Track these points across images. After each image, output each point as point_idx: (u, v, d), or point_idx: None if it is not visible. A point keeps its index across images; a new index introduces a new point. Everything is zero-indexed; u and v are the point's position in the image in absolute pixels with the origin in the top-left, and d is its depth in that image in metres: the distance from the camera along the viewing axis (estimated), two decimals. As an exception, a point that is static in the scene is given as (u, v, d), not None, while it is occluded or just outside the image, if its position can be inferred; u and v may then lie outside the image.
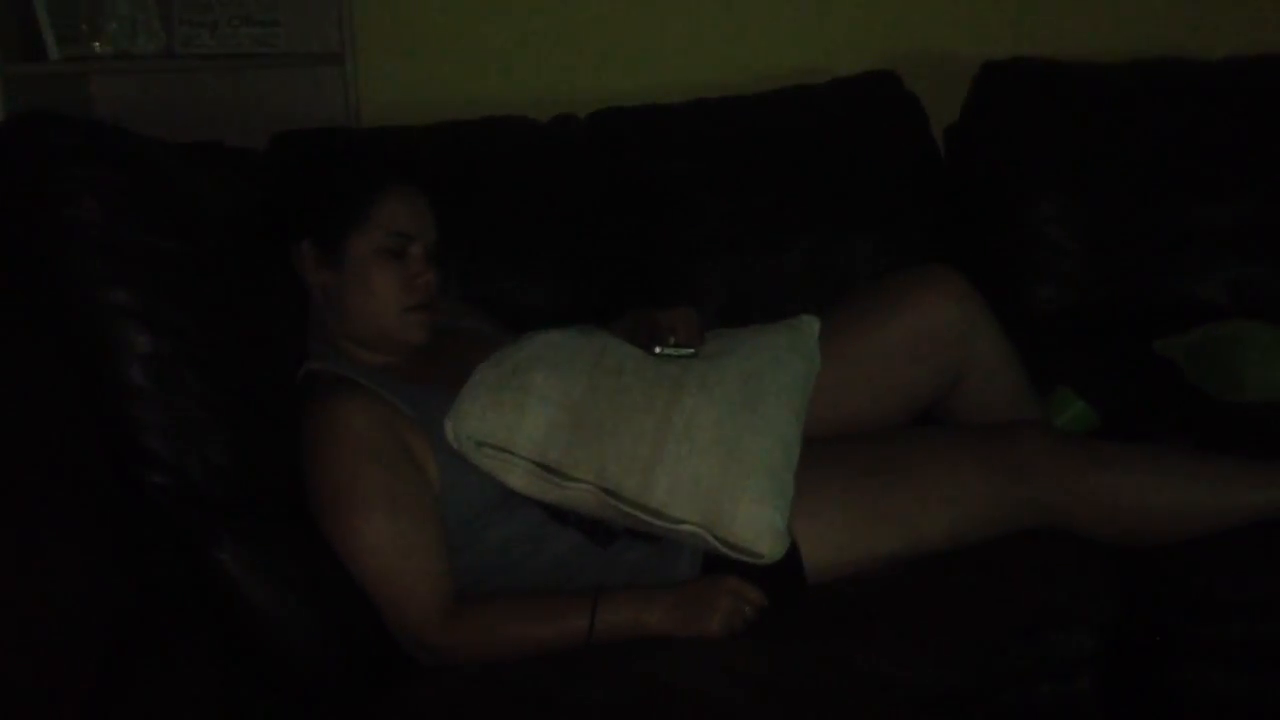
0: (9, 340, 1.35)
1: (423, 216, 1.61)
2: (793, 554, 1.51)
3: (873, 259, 2.10)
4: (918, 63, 2.32)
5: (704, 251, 2.07)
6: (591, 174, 2.08)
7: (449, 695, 1.37)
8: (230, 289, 1.54)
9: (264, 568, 1.39)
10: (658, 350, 1.57)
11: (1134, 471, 1.61)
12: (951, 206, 2.21)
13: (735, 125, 2.14)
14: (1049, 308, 2.15)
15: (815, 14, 2.37)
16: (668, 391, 1.51)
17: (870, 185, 2.14)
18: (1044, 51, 2.29)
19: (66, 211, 1.45)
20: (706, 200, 2.09)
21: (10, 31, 2.04)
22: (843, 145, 2.15)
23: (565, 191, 2.04)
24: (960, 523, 1.59)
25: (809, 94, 2.20)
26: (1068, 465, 1.59)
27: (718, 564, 1.50)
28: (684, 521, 1.47)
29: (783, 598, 1.49)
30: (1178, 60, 2.30)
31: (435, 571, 1.45)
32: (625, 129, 2.12)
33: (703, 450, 1.47)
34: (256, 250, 1.60)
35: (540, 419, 1.48)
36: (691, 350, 1.58)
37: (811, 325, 1.66)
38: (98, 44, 2.07)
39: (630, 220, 2.08)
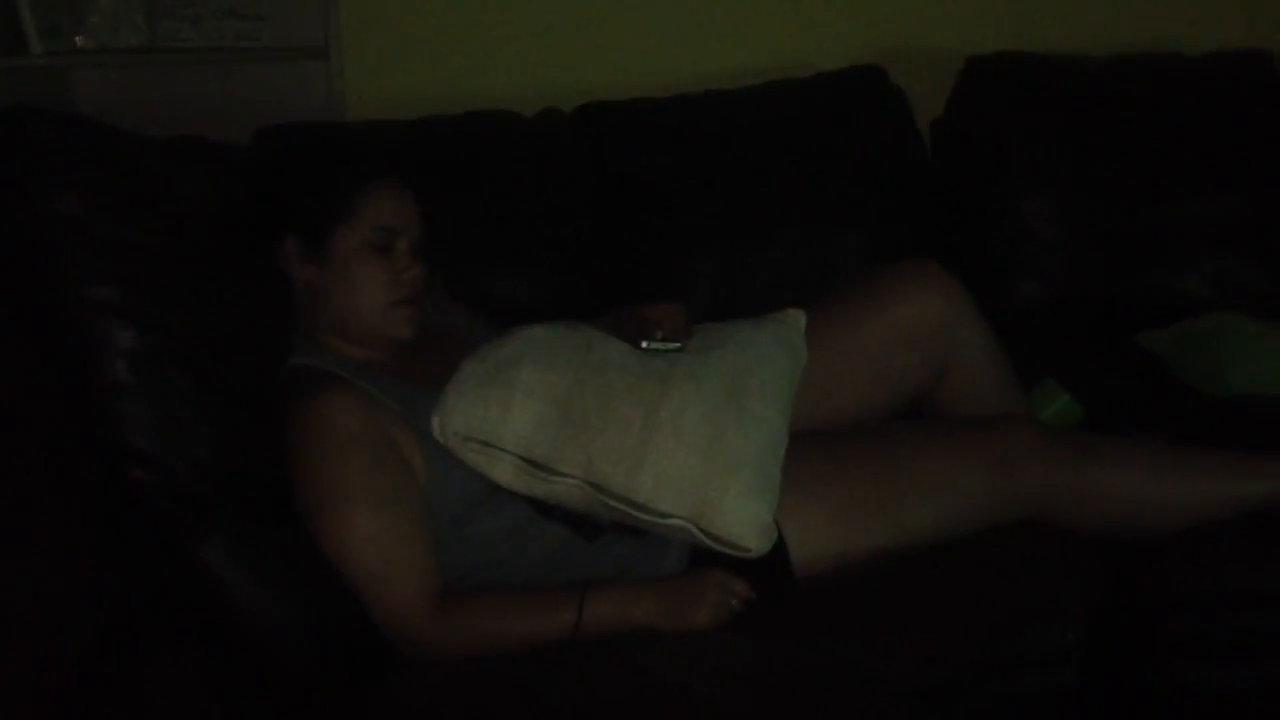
0: (-8, 336, 1.35)
1: (408, 211, 1.60)
2: (779, 547, 1.52)
3: (858, 253, 2.11)
4: (903, 57, 2.32)
5: (690, 246, 2.07)
6: (577, 168, 2.08)
7: (435, 690, 1.37)
8: (214, 284, 1.54)
9: (250, 563, 1.39)
10: (644, 345, 1.57)
11: (1118, 464, 1.62)
12: (937, 201, 2.21)
13: (721, 119, 2.14)
14: (1034, 301, 2.16)
15: (801, 8, 2.37)
16: (654, 386, 1.51)
17: (856, 180, 2.14)
18: (1029, 46, 2.30)
19: (49, 207, 1.45)
20: (692, 194, 2.09)
21: (-9, 25, 2.02)
22: (828, 139, 2.16)
23: (551, 186, 2.04)
24: (946, 516, 1.59)
25: (795, 88, 2.20)
26: (1052, 458, 1.60)
27: (704, 558, 1.50)
28: (671, 515, 1.47)
29: (769, 591, 1.49)
30: (1162, 55, 2.31)
31: (421, 566, 1.45)
32: (611, 123, 2.12)
33: (689, 444, 1.48)
34: (241, 245, 1.59)
35: (527, 414, 1.48)
36: (678, 345, 1.58)
37: (798, 319, 1.66)
38: (80, 38, 2.05)
39: (616, 215, 2.08)
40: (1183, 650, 1.63)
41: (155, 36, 2.10)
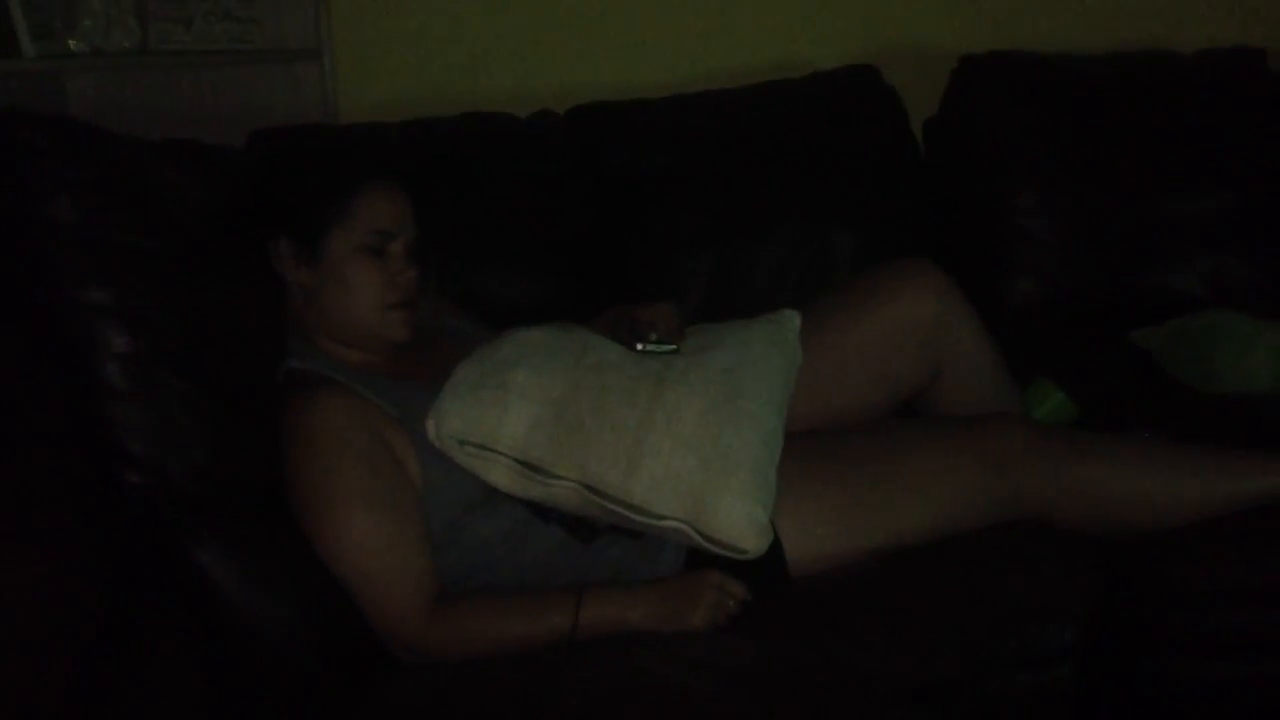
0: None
1: (402, 213, 1.60)
2: (775, 548, 1.52)
3: (853, 253, 2.11)
4: (897, 56, 2.32)
5: (685, 246, 2.07)
6: (572, 170, 2.08)
7: (431, 692, 1.37)
8: (208, 287, 1.54)
9: (245, 567, 1.39)
10: (639, 347, 1.57)
11: (1113, 462, 1.62)
12: (931, 200, 2.22)
13: (715, 120, 2.14)
14: (1027, 300, 2.16)
15: (795, 8, 2.37)
16: (649, 387, 1.51)
17: (850, 179, 2.15)
18: (1022, 45, 2.30)
19: (42, 211, 1.44)
20: (687, 195, 2.09)
21: (-16, 29, 2.02)
22: (822, 139, 2.16)
23: (545, 187, 2.04)
24: (941, 515, 1.60)
25: (788, 88, 2.21)
26: (1047, 457, 1.60)
27: (701, 559, 1.50)
28: (666, 517, 1.47)
29: (766, 591, 1.49)
30: (1154, 53, 2.32)
31: (417, 569, 1.45)
32: (605, 124, 2.12)
33: (685, 446, 1.48)
34: (235, 248, 1.59)
35: (522, 416, 1.48)
36: (673, 346, 1.58)
37: (792, 319, 1.66)
38: (72, 41, 2.05)
39: (611, 216, 2.08)
40: (1179, 647, 1.63)
41: (148, 39, 2.09)
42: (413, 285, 1.59)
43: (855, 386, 1.72)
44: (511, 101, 2.12)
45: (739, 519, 1.46)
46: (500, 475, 1.49)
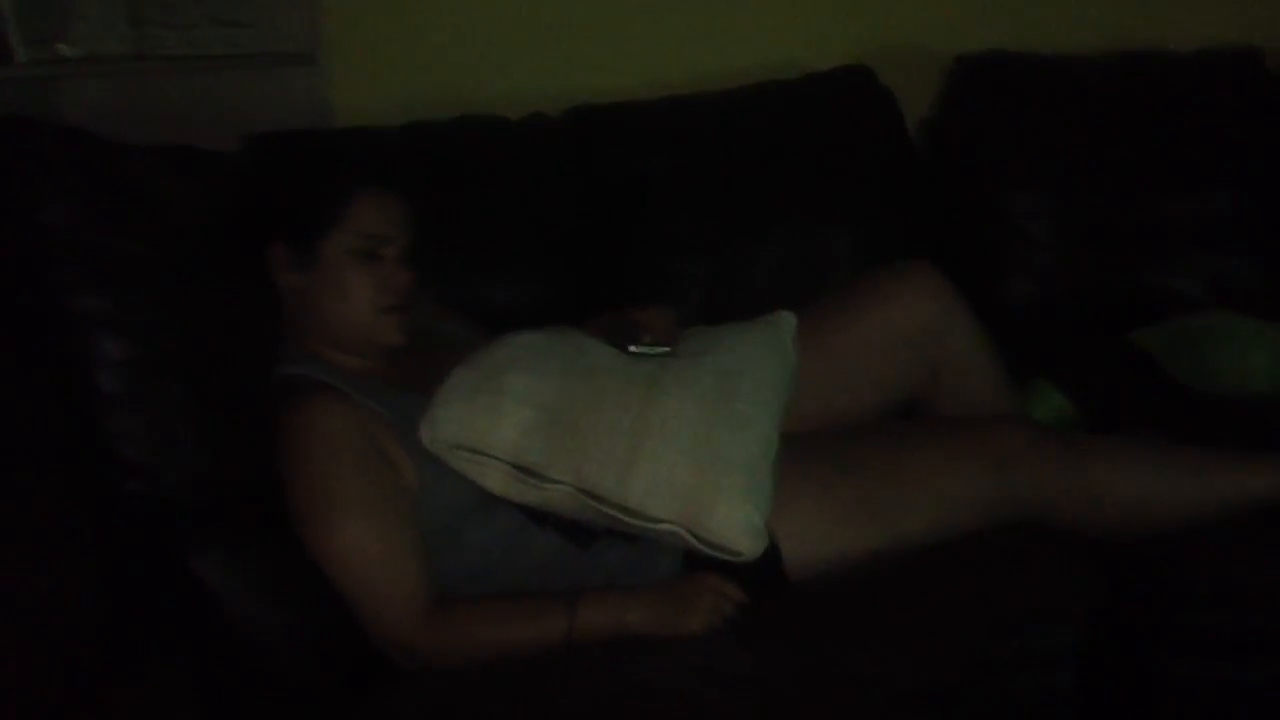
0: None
1: (397, 218, 1.59)
2: (772, 551, 1.51)
3: (849, 255, 2.10)
4: (891, 57, 2.32)
5: (680, 249, 2.06)
6: (566, 172, 2.07)
7: (430, 699, 1.36)
8: (203, 294, 1.53)
9: (242, 574, 1.38)
10: (633, 349, 1.57)
11: (1113, 464, 1.62)
12: (927, 201, 2.21)
13: (709, 121, 2.14)
14: (1026, 301, 2.16)
15: (788, 9, 2.36)
16: (644, 390, 1.51)
17: (845, 180, 2.14)
18: (1016, 45, 2.29)
19: (37, 218, 1.44)
20: (682, 197, 2.08)
21: (-24, 35, 2.01)
22: (817, 140, 2.15)
23: (540, 190, 2.04)
24: (940, 517, 1.59)
25: (782, 89, 2.20)
26: (1047, 458, 1.60)
27: (698, 563, 1.49)
28: (662, 521, 1.46)
29: (763, 595, 1.49)
30: (1151, 52, 2.31)
31: (413, 575, 1.45)
32: (599, 126, 2.11)
33: (680, 449, 1.47)
34: (229, 254, 1.58)
35: (516, 421, 1.48)
36: (667, 349, 1.58)
37: (788, 322, 1.66)
38: (65, 46, 2.05)
39: (606, 219, 2.08)
40: (1180, 649, 1.63)
41: (141, 44, 2.09)
42: (407, 289, 1.59)
43: (853, 389, 1.72)
44: (505, 104, 2.11)
45: (735, 522, 1.45)
46: (495, 480, 1.48)
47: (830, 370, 1.69)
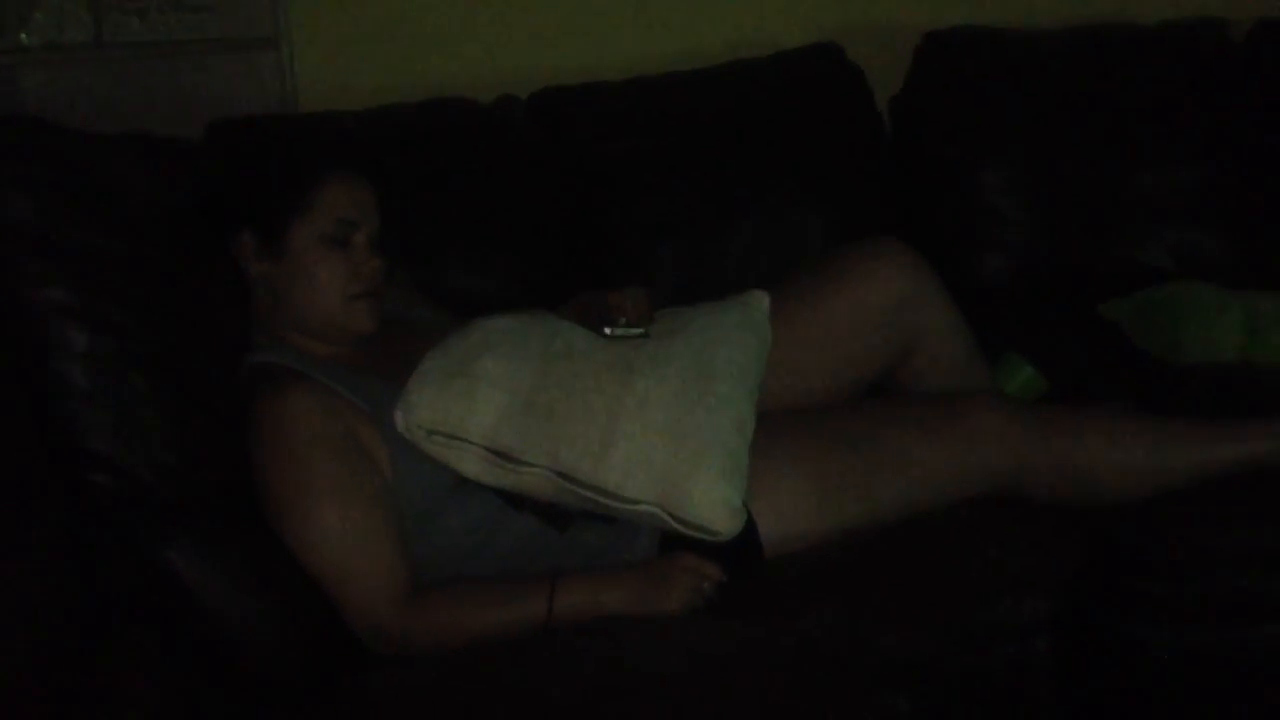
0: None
1: (365, 203, 1.58)
2: (750, 529, 1.52)
3: (821, 233, 2.10)
4: (860, 34, 2.31)
5: (652, 230, 2.06)
6: (536, 155, 2.06)
7: (407, 684, 1.36)
8: (170, 283, 1.52)
9: (215, 564, 1.37)
10: (608, 331, 1.56)
11: (1084, 435, 1.63)
12: (898, 178, 2.21)
13: (679, 102, 2.13)
14: (997, 276, 2.17)
15: (756, -13, 2.36)
16: (619, 372, 1.51)
17: (816, 158, 2.14)
18: (985, 21, 2.30)
19: (-2, 210, 1.42)
20: (653, 178, 2.07)
21: (-67, 25, 1.98)
22: (787, 119, 2.15)
23: (510, 174, 2.02)
24: (915, 492, 1.60)
25: (752, 68, 2.19)
26: (1018, 431, 1.61)
27: (675, 543, 1.50)
28: (639, 502, 1.46)
29: (741, 572, 1.49)
30: (1116, 26, 2.32)
31: (389, 560, 1.44)
32: (568, 109, 2.10)
33: (656, 430, 1.47)
34: (196, 243, 1.57)
35: (491, 405, 1.47)
36: (642, 330, 1.57)
37: (762, 301, 1.66)
38: (25, 35, 2.02)
39: (577, 201, 2.07)
40: (1152, 616, 1.64)
41: (102, 32, 2.06)
42: (377, 275, 1.58)
43: (827, 366, 1.72)
44: (472, 87, 2.09)
45: (712, 501, 1.46)
46: (471, 465, 1.48)
47: (804, 348, 1.69)
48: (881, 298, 1.70)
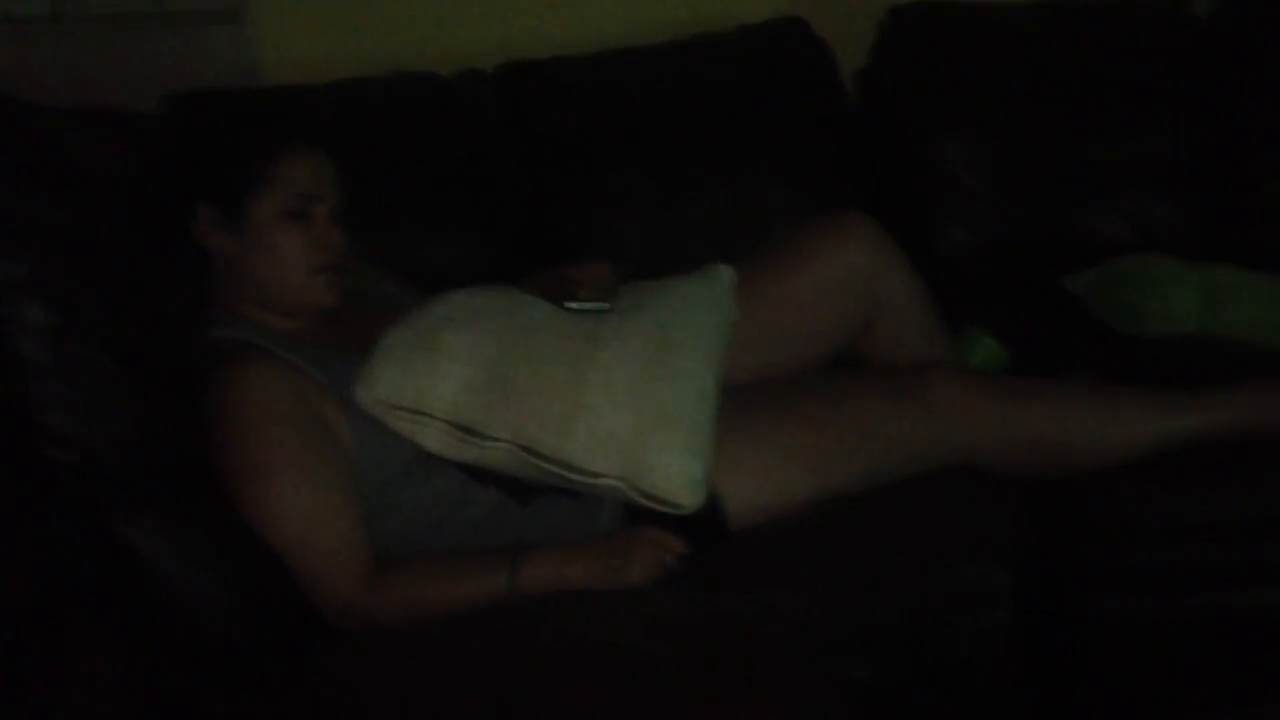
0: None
1: (326, 176, 1.57)
2: (714, 502, 1.52)
3: (785, 206, 2.11)
4: (824, 8, 2.31)
5: (617, 204, 2.06)
6: (501, 129, 2.05)
7: (370, 659, 1.36)
8: (128, 257, 1.51)
9: (175, 541, 1.37)
10: (570, 306, 1.56)
11: (1044, 406, 1.65)
12: (863, 151, 2.22)
13: (643, 76, 2.13)
14: (960, 249, 2.18)
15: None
16: (582, 346, 1.51)
17: (782, 132, 2.14)
18: (949, -6, 2.30)
19: (-48, 184, 1.41)
20: (618, 153, 2.07)
21: (-114, -3, 1.95)
22: (752, 93, 2.15)
23: (474, 148, 2.02)
24: (877, 464, 1.61)
25: (716, 41, 2.19)
26: (979, 403, 1.62)
27: (639, 515, 1.50)
28: (603, 475, 1.47)
29: (704, 545, 1.50)
30: (1076, 1, 2.33)
31: (352, 536, 1.44)
32: (533, 83, 2.10)
33: (619, 403, 1.47)
34: (154, 217, 1.55)
35: (453, 379, 1.47)
36: (604, 305, 1.57)
37: (726, 274, 1.66)
38: (-19, 8, 2.00)
39: (542, 175, 2.06)
40: (1110, 585, 1.67)
41: (60, 4, 2.04)
42: (338, 249, 1.57)
43: (790, 339, 1.73)
44: (437, 60, 2.08)
45: (675, 475, 1.46)
46: (434, 439, 1.48)
47: (767, 321, 1.69)
48: (843, 271, 1.71)
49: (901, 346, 1.75)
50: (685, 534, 1.49)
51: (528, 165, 2.06)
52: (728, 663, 1.28)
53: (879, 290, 1.73)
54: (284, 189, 1.53)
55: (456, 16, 2.22)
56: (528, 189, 2.05)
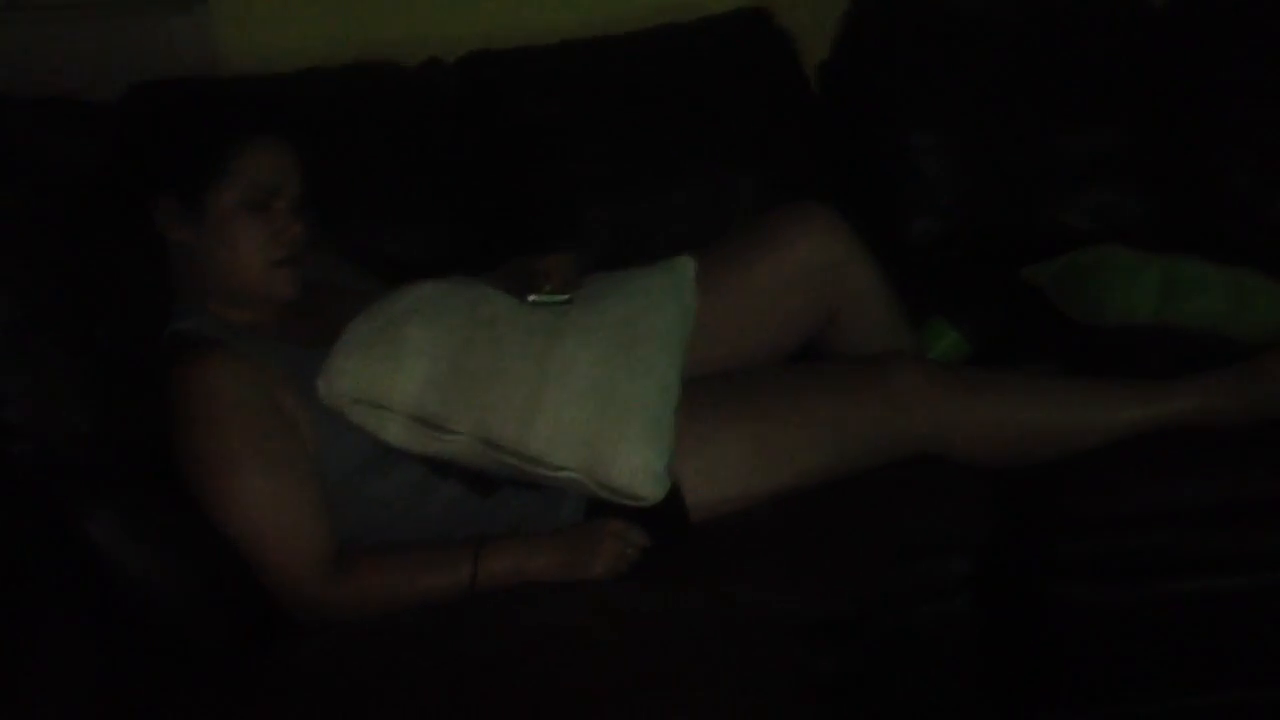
0: None
1: (287, 167, 1.56)
2: (675, 494, 1.53)
3: (751, 197, 2.10)
4: (788, -1, 2.31)
5: (582, 196, 2.05)
6: (463, 120, 2.04)
7: (331, 651, 1.36)
8: (87, 250, 1.50)
9: (135, 535, 1.37)
10: (531, 299, 1.56)
11: (1005, 397, 1.66)
12: (827, 141, 2.22)
13: (607, 66, 2.12)
14: (924, 239, 2.18)
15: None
16: (543, 339, 1.51)
17: (745, 123, 2.14)
18: (912, -16, 2.30)
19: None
20: (582, 144, 2.06)
21: None
22: (716, 84, 2.14)
23: (438, 139, 2.01)
24: (838, 455, 1.62)
25: (680, 32, 2.18)
26: (941, 394, 1.63)
27: (602, 508, 1.50)
28: (564, 468, 1.47)
29: (667, 537, 1.50)
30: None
31: (312, 529, 1.44)
32: (496, 73, 2.09)
33: (580, 396, 1.47)
34: (113, 208, 1.54)
35: (415, 372, 1.47)
36: (565, 297, 1.57)
37: (687, 266, 1.66)
38: (-66, -4, 1.97)
39: (506, 166, 2.05)
40: (1070, 574, 1.68)
41: (15, -8, 2.01)
42: (299, 241, 1.56)
43: (752, 331, 1.73)
44: (398, 51, 2.07)
45: (636, 467, 1.46)
46: (395, 432, 1.47)
47: (729, 313, 1.69)
48: (806, 262, 1.71)
49: (863, 338, 1.76)
50: (646, 526, 1.49)
51: (491, 155, 2.05)
52: (690, 652, 1.29)
53: (840, 281, 1.74)
54: (244, 180, 1.52)
55: (418, 7, 2.21)
56: (491, 180, 2.04)
